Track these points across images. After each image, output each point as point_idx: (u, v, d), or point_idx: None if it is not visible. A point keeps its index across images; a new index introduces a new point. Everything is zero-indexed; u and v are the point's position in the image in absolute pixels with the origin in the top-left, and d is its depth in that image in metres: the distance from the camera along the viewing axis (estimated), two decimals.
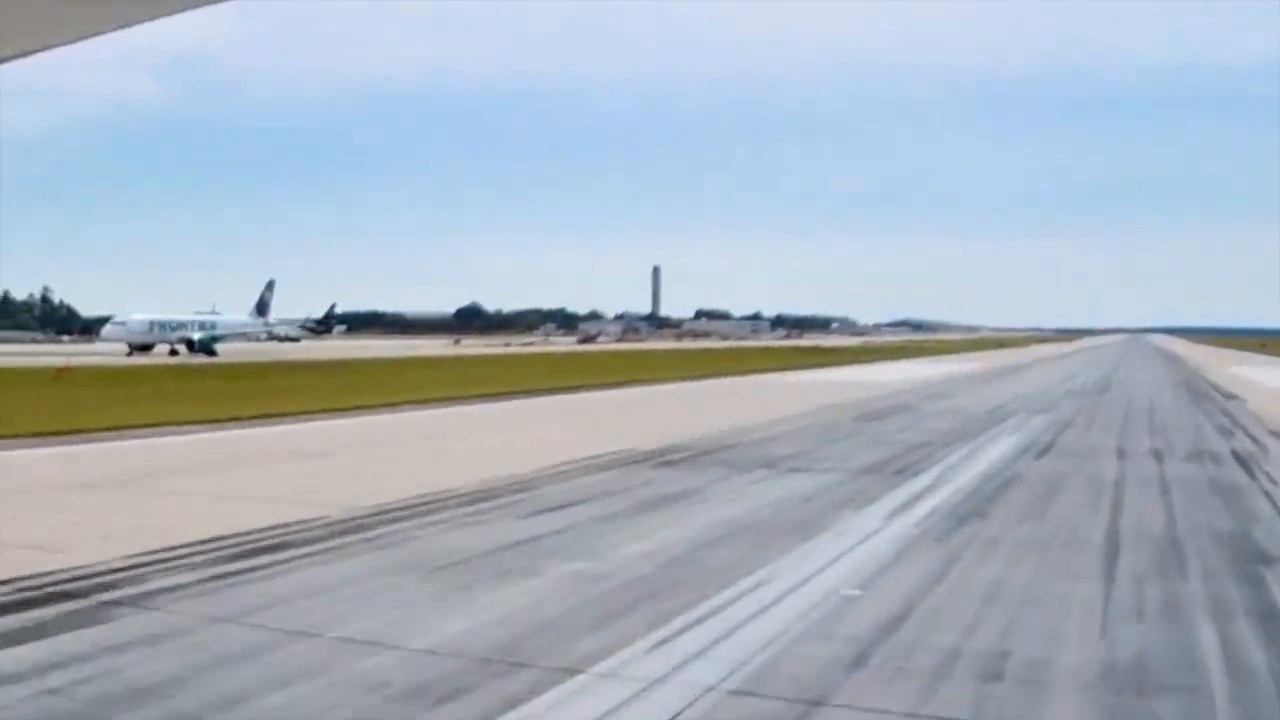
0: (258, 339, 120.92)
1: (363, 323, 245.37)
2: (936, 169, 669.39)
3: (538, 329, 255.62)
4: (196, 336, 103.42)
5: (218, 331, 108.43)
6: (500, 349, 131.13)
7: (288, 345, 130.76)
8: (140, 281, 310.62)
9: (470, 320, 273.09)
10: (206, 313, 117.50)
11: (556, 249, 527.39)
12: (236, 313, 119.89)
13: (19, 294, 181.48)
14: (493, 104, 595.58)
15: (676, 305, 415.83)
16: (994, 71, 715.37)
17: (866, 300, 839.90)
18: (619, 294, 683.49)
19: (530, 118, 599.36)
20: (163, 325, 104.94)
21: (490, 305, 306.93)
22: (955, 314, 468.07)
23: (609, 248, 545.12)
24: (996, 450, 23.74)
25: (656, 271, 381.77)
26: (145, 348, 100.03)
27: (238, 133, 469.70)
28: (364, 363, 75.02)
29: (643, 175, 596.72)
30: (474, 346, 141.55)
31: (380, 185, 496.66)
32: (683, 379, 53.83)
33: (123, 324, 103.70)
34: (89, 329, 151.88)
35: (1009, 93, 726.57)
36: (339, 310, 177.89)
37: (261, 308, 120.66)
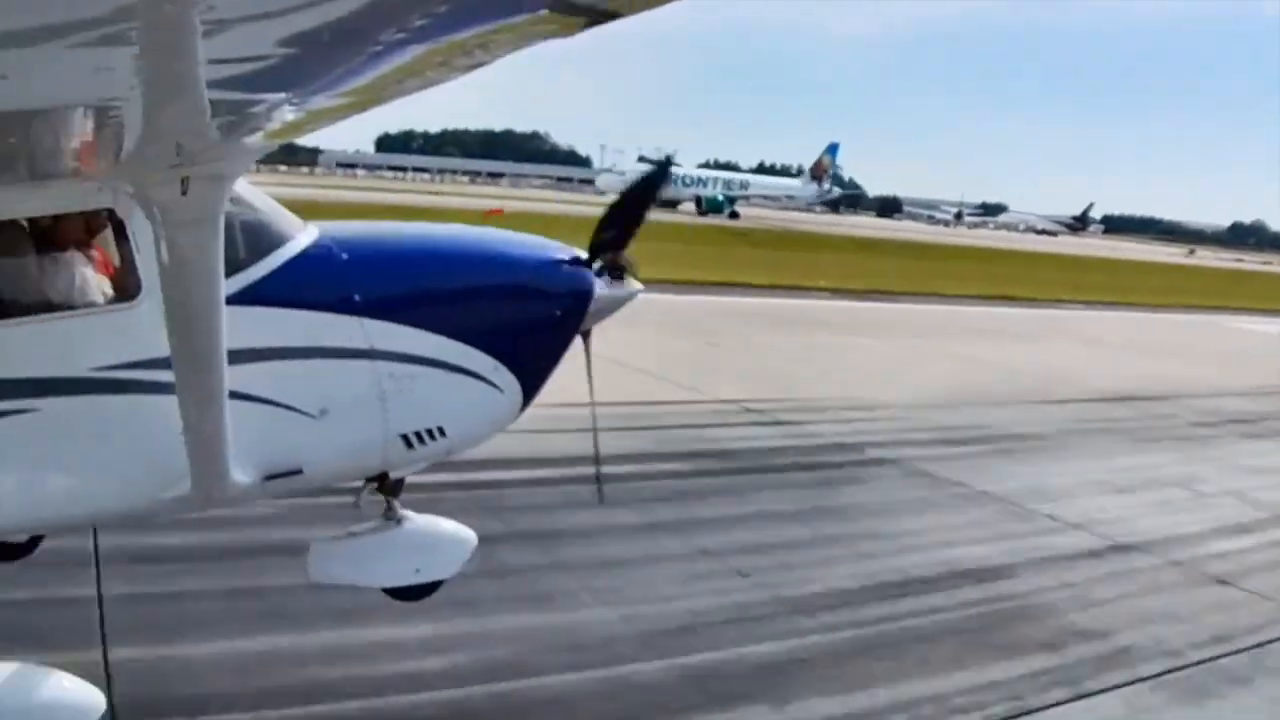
0: (806, 208, 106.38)
1: (1132, 226, 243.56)
2: None
3: None
4: (713, 194, 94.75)
5: (749, 193, 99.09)
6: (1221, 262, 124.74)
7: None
8: (928, 171, 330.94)
9: (1244, 237, 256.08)
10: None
11: None
12: (800, 180, 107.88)
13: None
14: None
15: None
16: None
17: None
18: None
19: None
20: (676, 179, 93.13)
21: (1276, 225, 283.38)
22: None
23: None
24: None
25: None
26: (667, 204, 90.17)
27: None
28: None
29: None
30: (1205, 259, 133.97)
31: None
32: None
33: (621, 175, 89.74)
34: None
35: None
36: (1100, 212, 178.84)
37: (815, 173, 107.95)
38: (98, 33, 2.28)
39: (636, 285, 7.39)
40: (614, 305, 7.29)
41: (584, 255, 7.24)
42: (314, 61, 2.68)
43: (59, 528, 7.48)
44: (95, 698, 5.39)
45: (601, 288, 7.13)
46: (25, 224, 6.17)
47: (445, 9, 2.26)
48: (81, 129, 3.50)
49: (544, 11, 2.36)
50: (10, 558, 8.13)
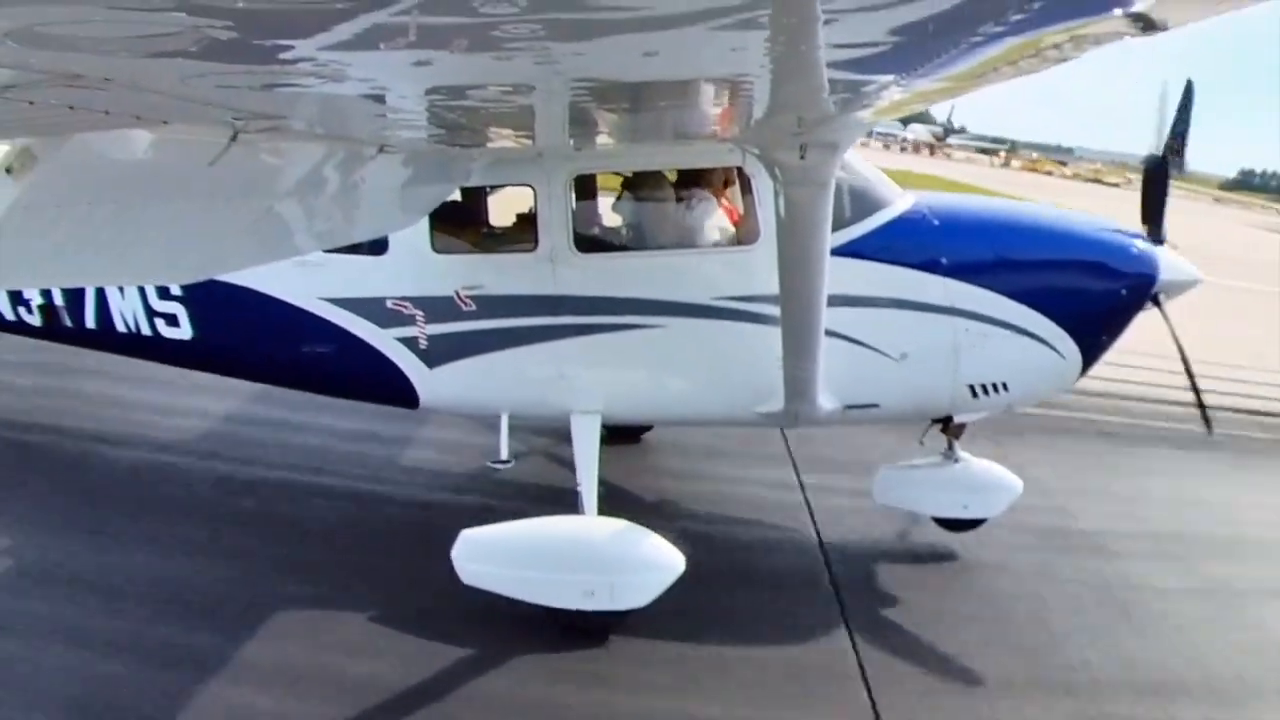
0: None
1: None
2: None
3: None
4: None
5: None
6: None
7: None
8: None
9: None
10: None
11: None
12: None
13: None
14: None
15: None
16: None
17: None
18: None
19: None
20: None
21: None
22: None
23: None
24: None
25: None
26: None
27: None
28: None
29: None
30: None
31: None
32: None
33: None
34: None
35: None
36: None
37: None
38: (735, 18, 2.62)
39: (1197, 272, 7.69)
40: (1180, 287, 7.57)
41: (1146, 237, 7.58)
42: (919, 48, 2.83)
43: (667, 423, 9.09)
44: (678, 560, 6.35)
45: (1170, 271, 7.43)
46: (668, 175, 7.36)
47: (1039, 5, 2.33)
48: (718, 99, 3.95)
49: (1118, 13, 2.39)
50: (628, 439, 9.81)
